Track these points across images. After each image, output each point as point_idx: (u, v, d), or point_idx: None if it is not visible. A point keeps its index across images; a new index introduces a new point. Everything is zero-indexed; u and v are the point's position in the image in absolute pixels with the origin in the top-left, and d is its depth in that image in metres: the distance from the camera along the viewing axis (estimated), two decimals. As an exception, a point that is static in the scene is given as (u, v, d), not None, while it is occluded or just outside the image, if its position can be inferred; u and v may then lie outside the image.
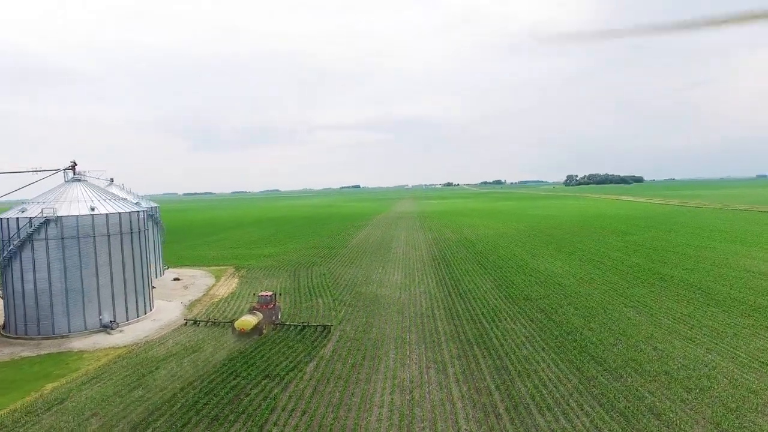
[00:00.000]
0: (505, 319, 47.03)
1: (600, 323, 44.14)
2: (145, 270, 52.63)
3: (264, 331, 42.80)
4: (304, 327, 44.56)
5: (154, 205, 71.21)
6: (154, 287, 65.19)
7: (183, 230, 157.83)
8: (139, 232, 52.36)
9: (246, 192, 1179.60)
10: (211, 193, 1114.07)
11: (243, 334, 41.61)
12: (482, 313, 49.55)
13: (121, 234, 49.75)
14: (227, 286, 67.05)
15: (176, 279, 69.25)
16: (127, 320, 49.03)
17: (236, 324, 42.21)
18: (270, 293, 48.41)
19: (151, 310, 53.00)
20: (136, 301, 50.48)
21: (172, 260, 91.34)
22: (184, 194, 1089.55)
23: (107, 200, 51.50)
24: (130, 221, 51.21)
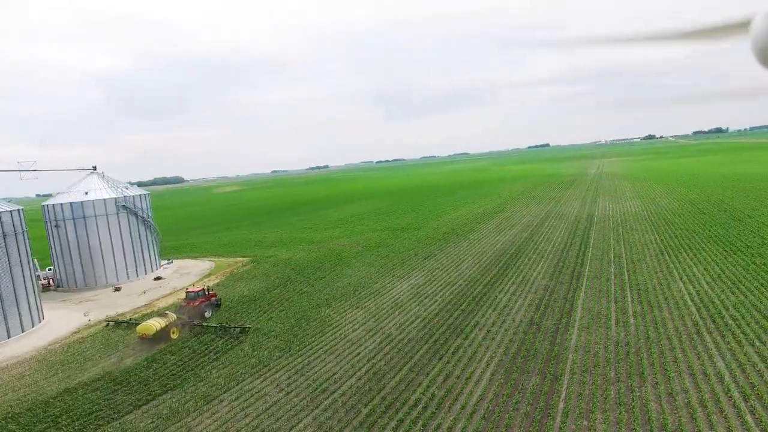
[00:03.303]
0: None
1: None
2: (21, 279, 42.18)
3: (174, 336, 37.47)
4: (223, 328, 39.06)
5: (137, 194, 61.39)
6: (120, 288, 56.57)
7: (281, 207, 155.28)
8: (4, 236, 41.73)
9: (434, 156, 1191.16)
10: (401, 160, 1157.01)
11: (146, 340, 36.73)
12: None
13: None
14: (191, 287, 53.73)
15: (158, 278, 59.18)
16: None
17: (138, 328, 37.53)
18: (200, 288, 44.58)
19: (30, 326, 42.83)
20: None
21: (209, 248, 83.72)
22: (377, 162, 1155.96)
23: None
24: None
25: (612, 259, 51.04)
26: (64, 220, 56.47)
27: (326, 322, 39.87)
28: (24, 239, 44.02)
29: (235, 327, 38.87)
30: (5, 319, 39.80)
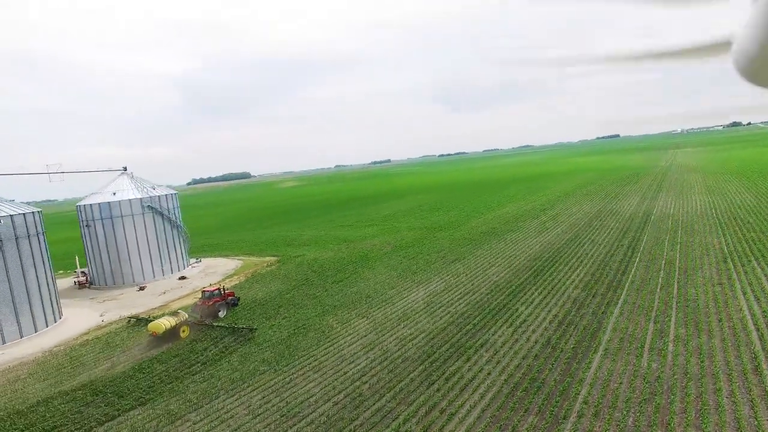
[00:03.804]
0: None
1: None
2: (34, 279, 42.74)
3: (184, 335, 37.92)
4: (232, 329, 38.84)
5: (162, 194, 61.73)
6: (144, 287, 57.12)
7: (330, 203, 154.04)
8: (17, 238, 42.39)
9: (497, 149, 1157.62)
10: (463, 153, 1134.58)
11: (156, 338, 37.31)
12: None
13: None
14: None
15: (182, 278, 59.28)
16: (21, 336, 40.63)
17: (148, 326, 38.23)
18: (215, 288, 44.87)
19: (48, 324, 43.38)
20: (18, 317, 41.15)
21: (245, 245, 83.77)
22: (439, 155, 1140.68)
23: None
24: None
25: (662, 266, 44.26)
26: (94, 220, 57.83)
27: (325, 333, 37.08)
28: (40, 240, 44.87)
29: (243, 328, 38.39)
30: (17, 319, 40.56)
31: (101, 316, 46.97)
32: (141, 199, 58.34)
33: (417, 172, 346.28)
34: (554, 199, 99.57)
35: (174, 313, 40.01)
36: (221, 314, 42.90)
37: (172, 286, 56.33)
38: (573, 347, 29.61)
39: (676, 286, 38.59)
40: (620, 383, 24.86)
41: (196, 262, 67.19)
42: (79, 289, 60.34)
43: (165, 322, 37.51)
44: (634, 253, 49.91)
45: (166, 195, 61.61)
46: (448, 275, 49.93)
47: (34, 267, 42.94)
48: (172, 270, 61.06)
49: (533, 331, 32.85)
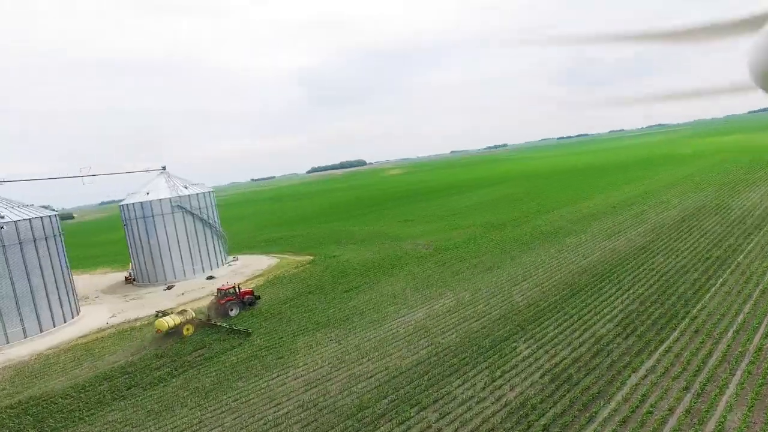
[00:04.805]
0: None
1: None
2: (40, 280, 44.02)
3: (187, 333, 38.24)
4: (232, 330, 38.80)
5: (193, 193, 61.39)
6: (173, 285, 57.50)
7: (413, 193, 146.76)
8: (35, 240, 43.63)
9: (622, 131, 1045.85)
10: (585, 135, 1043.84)
11: (162, 335, 38.24)
12: None
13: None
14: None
15: (210, 278, 58.59)
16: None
17: (155, 323, 39.37)
18: (230, 286, 44.56)
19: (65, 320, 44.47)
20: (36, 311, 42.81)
21: (297, 242, 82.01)
22: (558, 138, 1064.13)
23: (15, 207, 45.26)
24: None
25: (755, 296, 31.57)
26: (133, 219, 59.55)
27: (282, 360, 32.23)
28: (56, 242, 46.31)
29: (240, 330, 38.26)
30: (21, 319, 42.01)
31: (112, 317, 47.47)
32: (170, 198, 58.62)
33: (525, 157, 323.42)
34: (654, 190, 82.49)
35: (181, 312, 40.61)
36: (232, 313, 42.63)
37: (196, 286, 55.80)
38: (551, 420, 20.95)
39: (763, 329, 26.70)
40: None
41: (233, 261, 66.63)
42: (125, 284, 63.08)
43: (169, 321, 38.52)
44: (720, 272, 37.03)
45: (197, 194, 61.39)
46: (466, 290, 41.85)
47: (51, 267, 44.58)
48: (203, 269, 60.89)
49: (519, 384, 24.47)
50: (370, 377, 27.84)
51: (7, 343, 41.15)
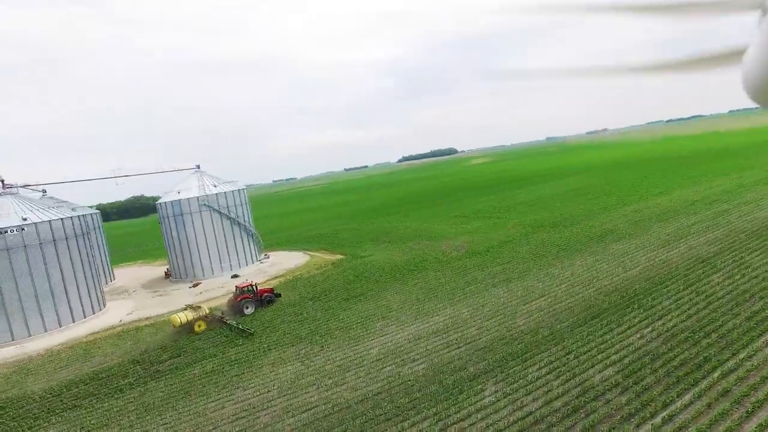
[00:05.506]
0: None
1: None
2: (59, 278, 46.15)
3: (199, 329, 39.14)
4: (238, 329, 39.20)
5: (221, 191, 61.57)
6: (199, 283, 58.54)
7: (482, 185, 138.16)
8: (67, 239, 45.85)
9: (746, 109, 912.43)
10: (699, 116, 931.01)
11: (177, 330, 39.44)
12: None
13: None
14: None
15: (235, 276, 58.61)
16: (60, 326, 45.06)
17: (170, 318, 40.82)
18: (247, 284, 44.82)
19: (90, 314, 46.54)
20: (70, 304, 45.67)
21: (343, 237, 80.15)
22: (667, 121, 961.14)
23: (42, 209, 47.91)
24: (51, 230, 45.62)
25: (821, 340, 23.24)
26: (166, 217, 61.41)
27: (241, 377, 30.20)
28: (77, 242, 48.46)
29: (244, 329, 38.41)
30: (41, 315, 44.40)
31: (129, 314, 48.93)
32: (197, 197, 59.37)
33: (621, 143, 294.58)
34: (747, 185, 68.63)
35: (195, 308, 41.63)
36: (247, 311, 42.89)
37: (220, 284, 56.07)
38: None
39: (804, 396, 19.21)
40: None
41: (265, 258, 66.39)
42: (164, 279, 65.63)
43: (181, 316, 39.76)
44: (787, 301, 28.33)
45: (225, 192, 61.58)
46: (468, 306, 36.78)
47: (71, 266, 46.85)
48: (231, 267, 61.18)
49: (450, 445, 19.85)
50: (306, 410, 24.61)
51: (29, 335, 43.78)
